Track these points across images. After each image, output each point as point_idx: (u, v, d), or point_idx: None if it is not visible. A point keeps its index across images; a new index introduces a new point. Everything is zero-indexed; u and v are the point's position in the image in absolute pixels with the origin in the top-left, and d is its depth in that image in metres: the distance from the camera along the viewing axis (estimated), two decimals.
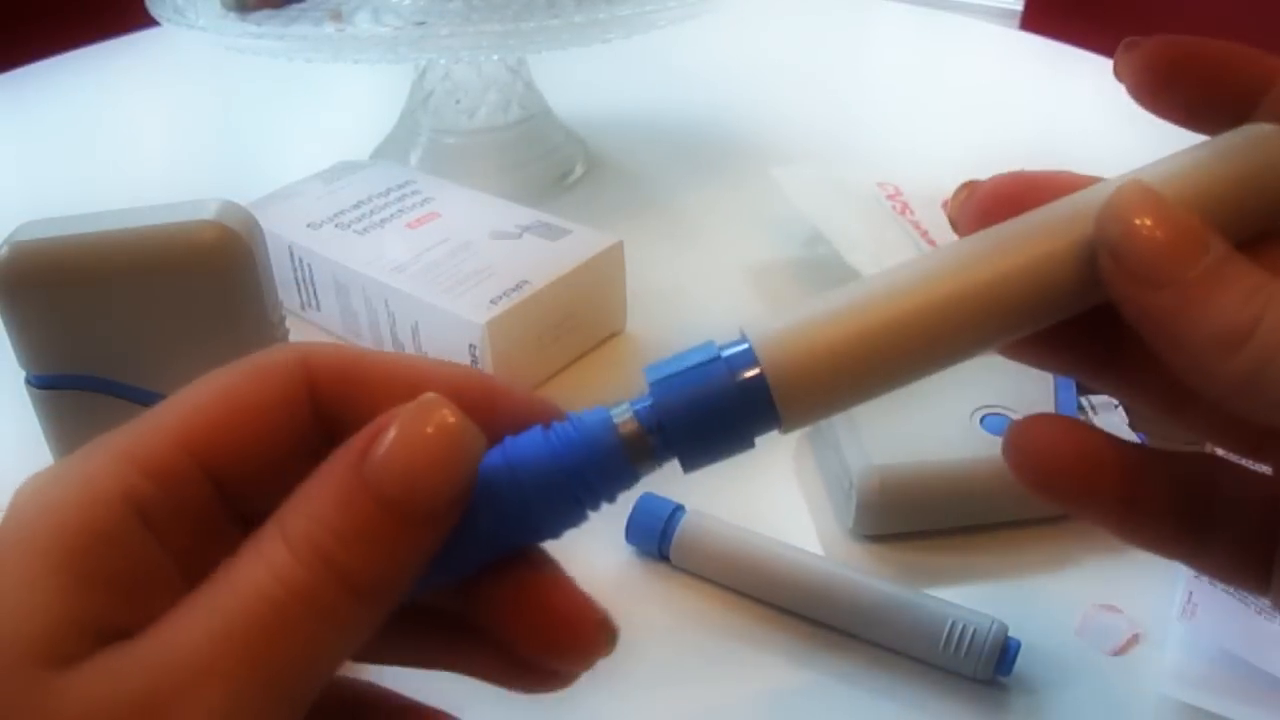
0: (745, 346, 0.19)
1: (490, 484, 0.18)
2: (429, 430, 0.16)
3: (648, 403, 0.19)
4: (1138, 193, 0.19)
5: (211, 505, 0.18)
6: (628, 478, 0.19)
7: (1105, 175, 0.22)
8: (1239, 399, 0.18)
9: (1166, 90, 0.23)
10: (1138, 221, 0.18)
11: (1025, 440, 0.22)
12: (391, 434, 0.16)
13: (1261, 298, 0.18)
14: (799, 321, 0.19)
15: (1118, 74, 0.23)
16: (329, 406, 0.19)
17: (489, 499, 0.18)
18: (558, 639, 0.20)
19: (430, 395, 0.17)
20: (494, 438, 0.18)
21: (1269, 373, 0.17)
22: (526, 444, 0.18)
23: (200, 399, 0.18)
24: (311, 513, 0.16)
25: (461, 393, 0.18)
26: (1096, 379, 0.23)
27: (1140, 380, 0.22)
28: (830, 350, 0.19)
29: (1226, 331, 0.18)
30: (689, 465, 0.19)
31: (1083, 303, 0.20)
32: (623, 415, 0.19)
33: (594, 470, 0.18)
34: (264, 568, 0.16)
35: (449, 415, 0.17)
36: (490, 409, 0.19)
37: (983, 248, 0.19)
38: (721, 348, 0.19)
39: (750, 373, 0.19)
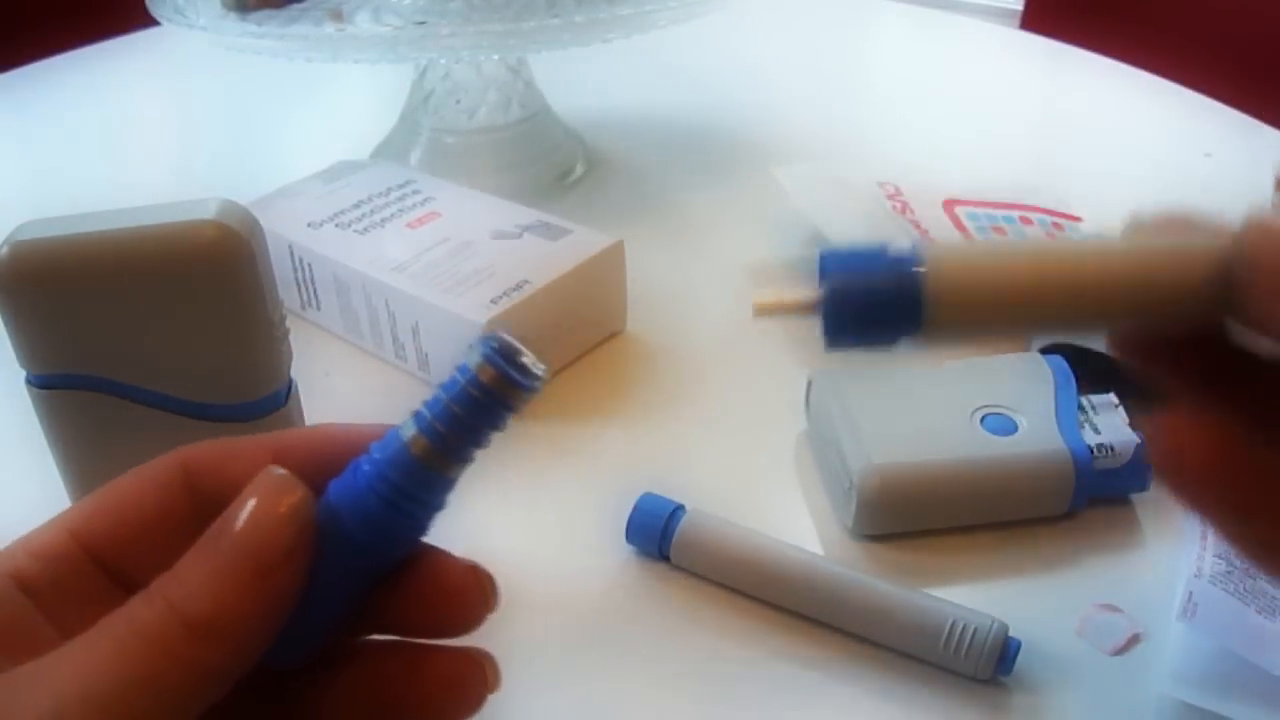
0: (912, 250, 0.21)
1: (323, 530, 0.20)
2: (257, 495, 0.19)
3: (428, 413, 0.20)
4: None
5: (97, 582, 0.20)
6: (438, 485, 0.21)
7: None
8: None
9: None
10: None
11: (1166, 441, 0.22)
12: (233, 506, 0.19)
13: None
14: (961, 248, 0.22)
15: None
16: (207, 494, 0.21)
17: (325, 544, 0.20)
18: (448, 619, 0.22)
19: (268, 470, 0.20)
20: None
21: None
22: (340, 483, 0.20)
23: (90, 499, 0.21)
24: (169, 572, 0.19)
25: (311, 451, 0.21)
26: (1201, 393, 0.23)
27: (1245, 398, 0.22)
28: (980, 274, 0.21)
29: None
30: (831, 341, 0.21)
31: (1200, 310, 0.21)
32: (409, 430, 0.20)
33: (405, 487, 0.20)
34: (120, 614, 0.18)
35: (270, 480, 0.19)
36: (337, 454, 0.21)
37: (1127, 243, 0.21)
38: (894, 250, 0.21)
39: (912, 269, 0.20)
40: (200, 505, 0.21)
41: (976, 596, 0.34)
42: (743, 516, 0.37)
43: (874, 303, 0.20)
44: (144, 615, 0.18)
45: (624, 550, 0.38)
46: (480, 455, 0.20)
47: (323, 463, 0.21)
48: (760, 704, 0.33)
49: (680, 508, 0.37)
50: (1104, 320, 0.22)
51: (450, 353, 0.45)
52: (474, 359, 0.20)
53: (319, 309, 0.50)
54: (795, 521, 0.39)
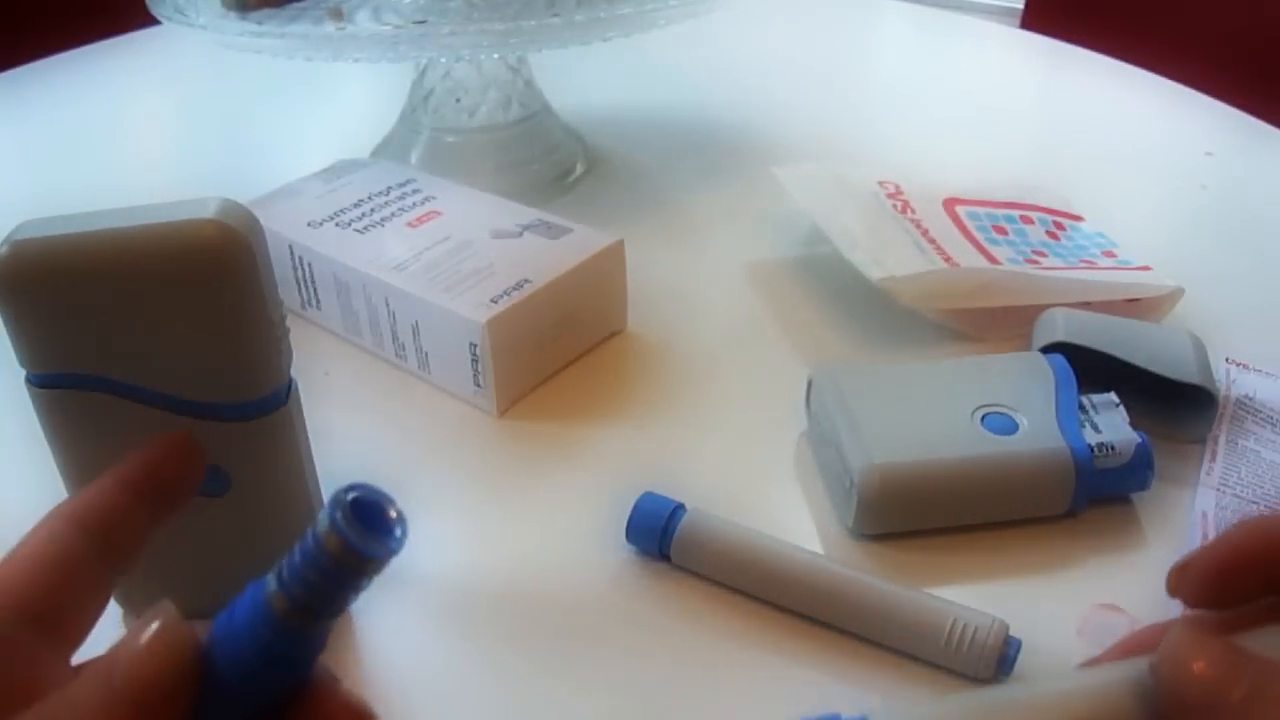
0: None
1: (205, 669, 0.20)
2: (145, 634, 0.20)
3: (285, 573, 0.20)
4: (1186, 636, 0.24)
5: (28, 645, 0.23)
6: (305, 639, 0.20)
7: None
8: None
9: (1229, 600, 0.27)
10: (1188, 662, 0.23)
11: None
12: (122, 640, 0.20)
13: None
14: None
15: (1175, 595, 0.27)
16: (105, 537, 0.25)
17: (207, 683, 0.20)
18: None
19: (161, 605, 0.21)
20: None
21: None
22: (219, 625, 0.20)
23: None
24: (60, 694, 0.20)
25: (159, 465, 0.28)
26: None
27: None
28: None
29: None
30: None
31: None
32: (271, 586, 0.20)
33: (272, 642, 0.20)
34: None
35: (161, 619, 0.20)
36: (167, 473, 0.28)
37: (1060, 684, 0.25)
38: None
39: None
40: (105, 553, 0.25)
41: (977, 596, 0.34)
42: (743, 516, 0.37)
43: None
44: None
45: (624, 550, 0.38)
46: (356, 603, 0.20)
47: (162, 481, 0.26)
48: (760, 704, 0.33)
49: (680, 507, 0.37)
50: None
51: (450, 351, 0.45)
52: (322, 523, 0.19)
53: (319, 308, 0.50)
54: (795, 521, 0.39)
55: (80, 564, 0.25)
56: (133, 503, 0.26)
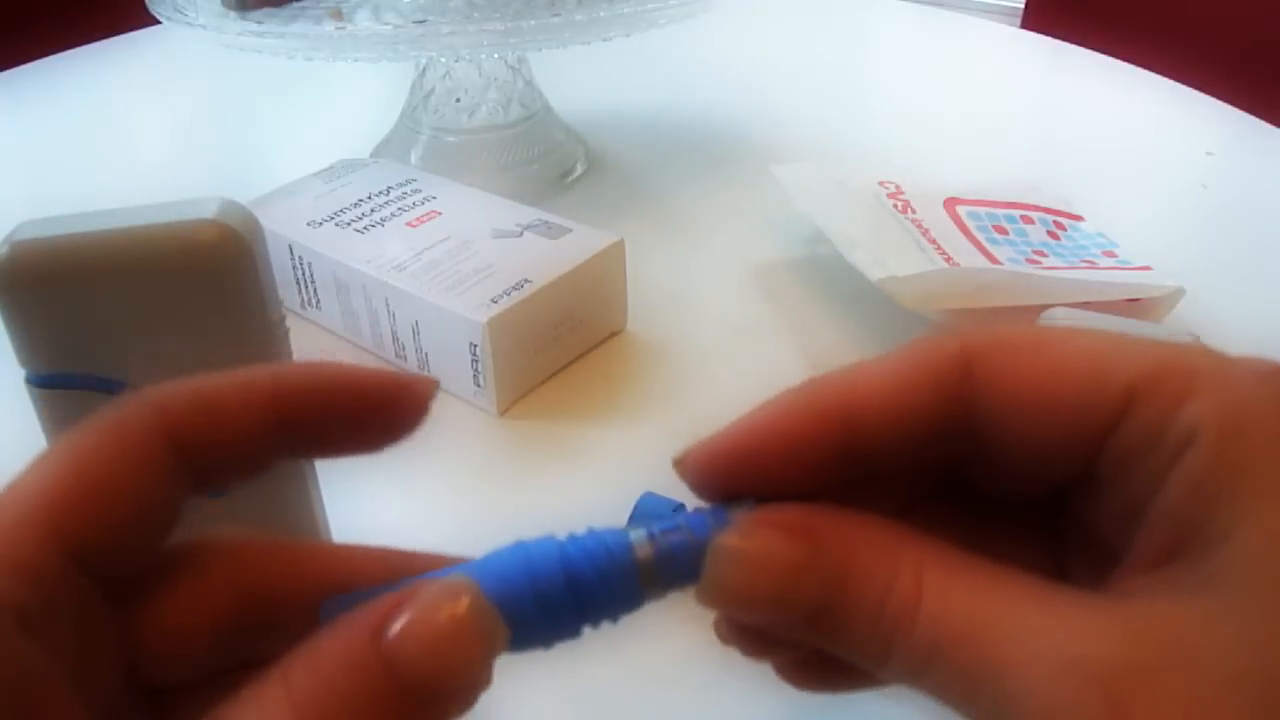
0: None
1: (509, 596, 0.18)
2: (449, 617, 0.16)
3: (661, 535, 0.19)
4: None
5: (86, 595, 0.17)
6: (627, 599, 0.19)
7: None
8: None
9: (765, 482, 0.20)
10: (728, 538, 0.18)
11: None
12: (411, 614, 0.16)
13: (888, 617, 0.17)
14: None
15: (684, 476, 0.21)
16: (196, 459, 0.19)
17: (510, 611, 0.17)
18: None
19: (454, 580, 0.16)
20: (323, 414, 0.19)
21: (926, 677, 0.17)
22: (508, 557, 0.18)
23: (58, 477, 0.18)
24: (320, 672, 0.16)
25: (310, 393, 0.19)
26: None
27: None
28: None
29: (869, 653, 0.18)
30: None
31: None
32: (640, 541, 0.19)
33: (606, 593, 0.19)
34: (257, 714, 0.15)
35: (468, 604, 0.16)
36: (338, 399, 0.20)
37: None
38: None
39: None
40: (188, 474, 0.19)
41: None
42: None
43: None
44: None
45: None
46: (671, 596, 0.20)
47: (322, 407, 0.19)
48: (761, 704, 0.33)
49: (680, 507, 0.37)
50: None
51: (451, 351, 0.44)
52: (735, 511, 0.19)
53: (319, 308, 0.50)
54: None
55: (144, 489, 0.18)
56: (273, 420, 0.19)
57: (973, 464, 0.20)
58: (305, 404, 0.19)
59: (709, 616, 0.21)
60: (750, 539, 0.18)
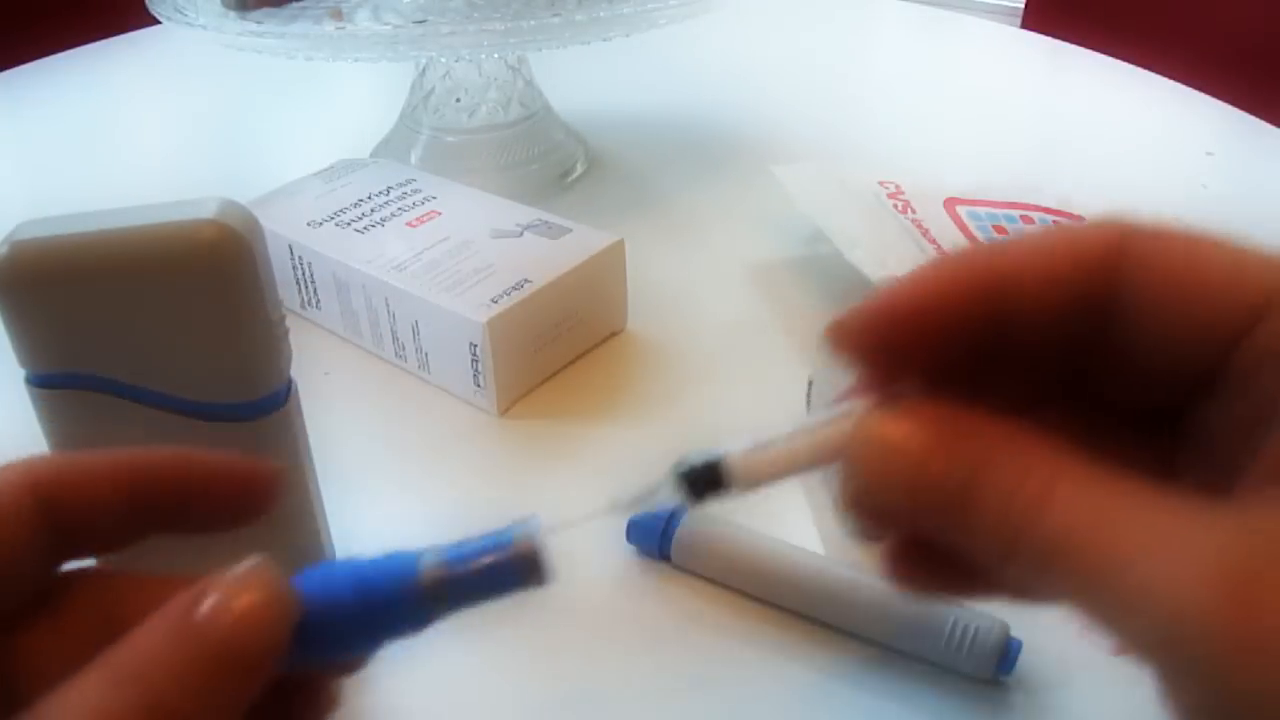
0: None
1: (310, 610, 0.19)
2: (247, 597, 0.18)
3: (452, 554, 0.21)
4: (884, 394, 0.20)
5: None
6: (416, 616, 0.21)
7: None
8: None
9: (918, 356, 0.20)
10: (881, 427, 0.19)
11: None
12: (216, 596, 0.18)
13: (1016, 509, 0.18)
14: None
15: (839, 349, 0.21)
16: (61, 519, 0.20)
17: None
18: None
19: (253, 567, 0.19)
20: (203, 508, 0.22)
21: (1049, 578, 0.17)
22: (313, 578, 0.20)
23: None
24: (137, 648, 0.18)
25: (164, 478, 0.21)
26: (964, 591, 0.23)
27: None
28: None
29: (995, 547, 0.18)
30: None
31: None
32: (428, 560, 0.21)
33: (393, 606, 0.20)
34: (77, 694, 0.17)
35: (260, 587, 0.19)
36: (194, 488, 0.22)
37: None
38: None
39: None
40: (56, 538, 0.20)
41: None
42: (743, 517, 0.37)
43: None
44: (111, 702, 0.17)
45: (624, 550, 0.38)
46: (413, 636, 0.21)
47: (172, 491, 0.21)
48: (761, 704, 0.33)
49: (681, 508, 0.37)
50: None
51: (450, 351, 0.44)
52: (518, 532, 0.22)
53: (319, 308, 0.50)
54: (796, 521, 0.39)
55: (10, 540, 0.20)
56: (135, 496, 0.21)
57: (1100, 363, 0.20)
58: (162, 488, 0.22)
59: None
60: (891, 427, 0.19)
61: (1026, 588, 0.18)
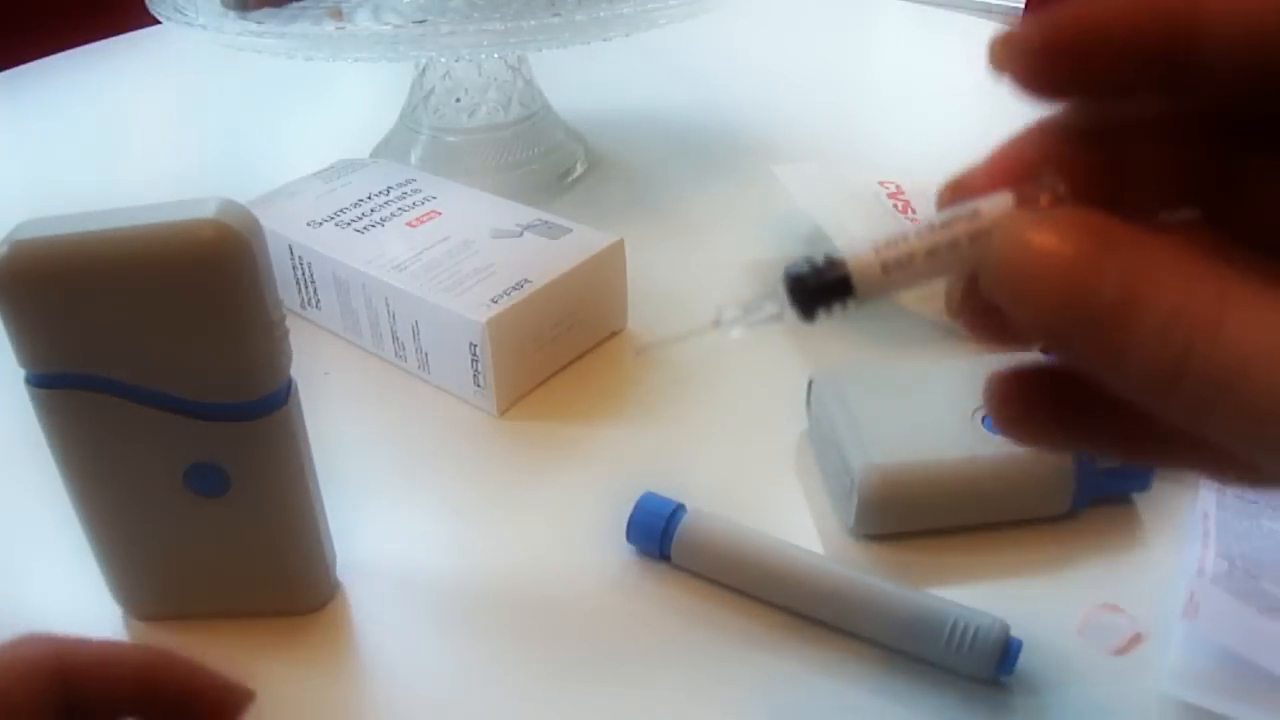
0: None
1: None
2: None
3: None
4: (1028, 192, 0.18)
5: None
6: None
7: None
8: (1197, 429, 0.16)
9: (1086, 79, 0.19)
10: (1027, 235, 0.17)
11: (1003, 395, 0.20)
12: None
13: (1184, 326, 0.15)
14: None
15: (1001, 68, 0.20)
16: (79, 699, 0.23)
17: None
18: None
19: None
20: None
21: (1220, 409, 0.15)
22: None
23: None
24: None
25: (177, 690, 0.25)
26: (1110, 447, 0.21)
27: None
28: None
29: (1155, 373, 0.15)
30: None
31: None
32: None
33: None
34: None
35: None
36: (183, 692, 0.25)
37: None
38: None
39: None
40: (67, 711, 0.23)
41: (977, 596, 0.34)
42: (743, 516, 0.37)
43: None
44: None
45: (624, 550, 0.38)
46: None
47: (172, 693, 0.24)
48: (761, 704, 0.33)
49: (680, 507, 0.37)
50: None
51: (450, 351, 0.44)
52: None
53: (319, 308, 0.50)
54: (796, 521, 0.39)
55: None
56: (139, 688, 0.25)
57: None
58: (164, 689, 0.25)
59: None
60: (1043, 231, 0.16)
61: (1166, 435, 0.16)
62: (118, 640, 0.26)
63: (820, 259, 0.19)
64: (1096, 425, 0.20)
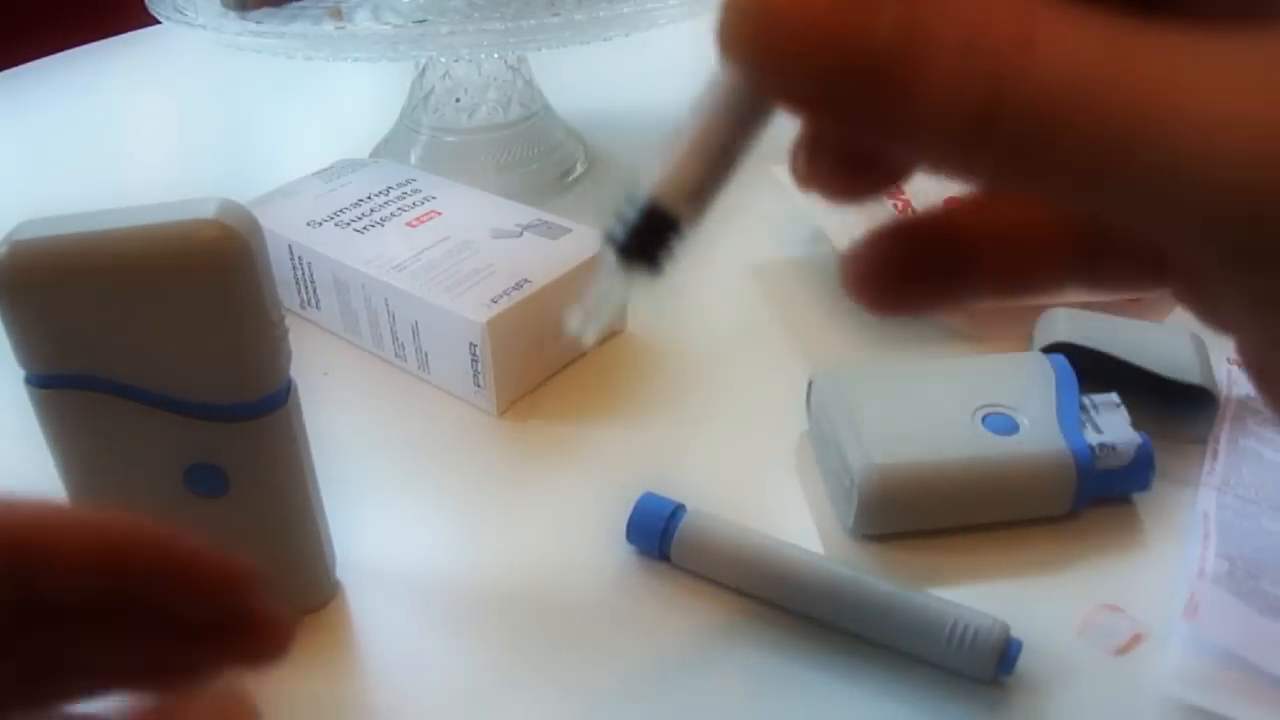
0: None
1: None
2: None
3: None
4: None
5: None
6: None
7: None
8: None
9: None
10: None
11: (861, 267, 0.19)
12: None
13: (984, 57, 0.12)
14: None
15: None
16: (30, 577, 0.19)
17: None
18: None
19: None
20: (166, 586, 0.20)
21: (1054, 156, 0.12)
22: None
23: None
24: None
25: (140, 557, 0.20)
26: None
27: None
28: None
29: (961, 124, 0.13)
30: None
31: None
32: None
33: None
34: None
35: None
36: (170, 568, 0.20)
37: None
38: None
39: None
40: (21, 589, 0.19)
41: (977, 596, 0.34)
42: (743, 516, 0.37)
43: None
44: None
45: (624, 550, 0.38)
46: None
47: (147, 568, 0.20)
48: (761, 703, 0.33)
49: (680, 507, 0.37)
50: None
51: (450, 351, 0.44)
52: None
53: (318, 308, 0.50)
54: (796, 521, 0.39)
55: None
56: (106, 566, 0.20)
57: None
58: (137, 563, 0.20)
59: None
60: None
61: (1048, 250, 0.14)
62: (84, 513, 0.20)
63: (636, 208, 0.18)
64: (970, 262, 0.18)
